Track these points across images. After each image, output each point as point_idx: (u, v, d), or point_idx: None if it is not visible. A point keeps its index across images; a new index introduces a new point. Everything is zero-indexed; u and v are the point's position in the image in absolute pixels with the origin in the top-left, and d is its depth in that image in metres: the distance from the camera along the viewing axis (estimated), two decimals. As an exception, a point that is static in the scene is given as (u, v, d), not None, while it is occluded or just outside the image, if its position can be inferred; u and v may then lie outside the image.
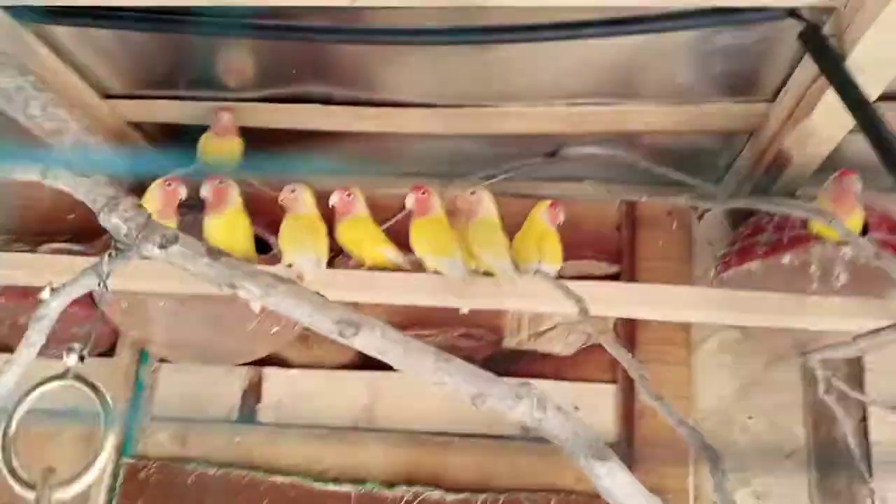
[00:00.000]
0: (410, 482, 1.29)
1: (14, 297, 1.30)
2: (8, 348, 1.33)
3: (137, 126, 1.37)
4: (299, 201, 1.06)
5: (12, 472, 0.73)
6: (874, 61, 0.86)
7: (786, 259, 1.04)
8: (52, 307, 0.63)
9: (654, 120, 1.20)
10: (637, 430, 1.28)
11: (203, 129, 1.26)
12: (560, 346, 1.37)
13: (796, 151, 1.06)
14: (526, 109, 1.23)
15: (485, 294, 1.06)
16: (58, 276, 1.01)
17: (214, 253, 0.46)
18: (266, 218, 1.26)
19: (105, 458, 1.37)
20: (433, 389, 1.35)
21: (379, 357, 0.46)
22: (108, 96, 1.29)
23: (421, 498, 1.27)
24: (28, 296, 1.28)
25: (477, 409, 1.31)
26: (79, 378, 0.77)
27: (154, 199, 1.09)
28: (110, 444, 1.36)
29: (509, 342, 1.39)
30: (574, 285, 1.03)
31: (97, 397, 0.77)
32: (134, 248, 0.50)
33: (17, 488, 0.72)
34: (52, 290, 0.64)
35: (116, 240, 0.54)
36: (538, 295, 1.05)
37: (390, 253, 1.02)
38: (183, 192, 1.09)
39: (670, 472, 1.24)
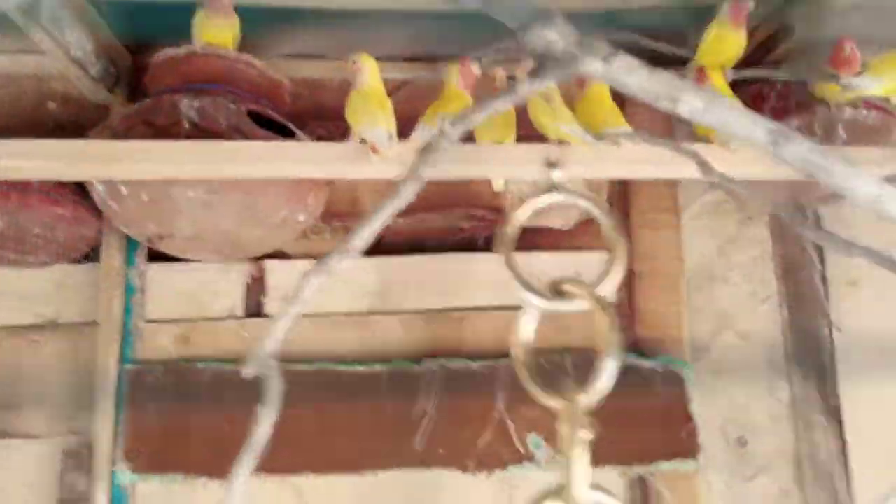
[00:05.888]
0: (434, 356, 1.34)
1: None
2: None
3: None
4: (364, 73, 1.01)
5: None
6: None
7: (793, 123, 1.16)
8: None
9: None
10: (636, 289, 1.40)
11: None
12: (560, 220, 1.44)
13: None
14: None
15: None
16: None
17: (650, 67, 0.45)
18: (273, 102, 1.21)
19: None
20: (442, 268, 1.41)
21: (800, 168, 0.46)
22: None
23: (448, 368, 1.32)
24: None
25: (493, 286, 1.36)
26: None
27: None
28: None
29: (511, 220, 1.44)
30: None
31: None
32: (571, 64, 0.47)
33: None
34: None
35: (545, 57, 0.51)
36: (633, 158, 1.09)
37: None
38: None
39: (671, 323, 1.38)
